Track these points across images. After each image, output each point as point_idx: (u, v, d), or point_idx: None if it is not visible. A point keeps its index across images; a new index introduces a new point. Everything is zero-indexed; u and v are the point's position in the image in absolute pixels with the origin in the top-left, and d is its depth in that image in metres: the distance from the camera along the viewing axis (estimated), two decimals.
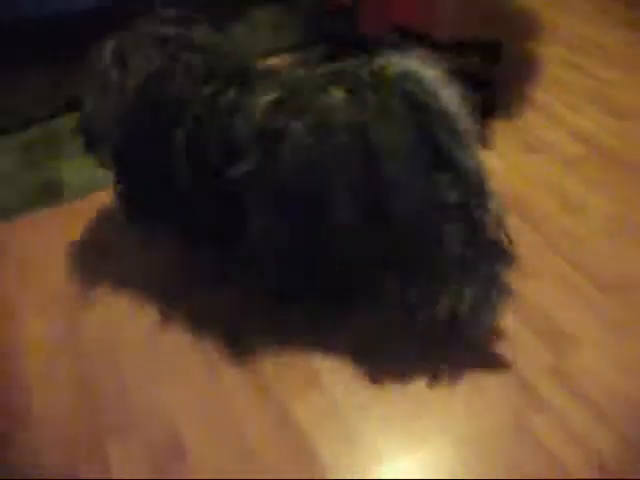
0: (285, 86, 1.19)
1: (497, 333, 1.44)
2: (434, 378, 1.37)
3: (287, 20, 2.46)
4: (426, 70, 1.12)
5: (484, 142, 1.87)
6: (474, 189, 1.15)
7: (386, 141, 1.10)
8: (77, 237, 1.80)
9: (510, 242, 1.25)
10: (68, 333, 1.54)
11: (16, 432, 1.34)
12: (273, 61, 2.44)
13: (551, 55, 2.41)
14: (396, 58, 1.15)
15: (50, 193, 1.95)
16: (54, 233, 1.82)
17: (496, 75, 2.27)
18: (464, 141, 1.12)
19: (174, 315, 1.54)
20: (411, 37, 2.15)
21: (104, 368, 1.45)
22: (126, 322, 1.55)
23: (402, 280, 1.24)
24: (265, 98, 1.17)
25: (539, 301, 1.52)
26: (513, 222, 1.64)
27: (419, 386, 1.37)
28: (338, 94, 1.13)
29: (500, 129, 2.04)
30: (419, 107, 1.09)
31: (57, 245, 1.78)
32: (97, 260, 1.72)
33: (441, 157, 1.11)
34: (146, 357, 1.47)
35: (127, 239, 1.75)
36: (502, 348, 1.42)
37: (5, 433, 1.34)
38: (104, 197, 1.90)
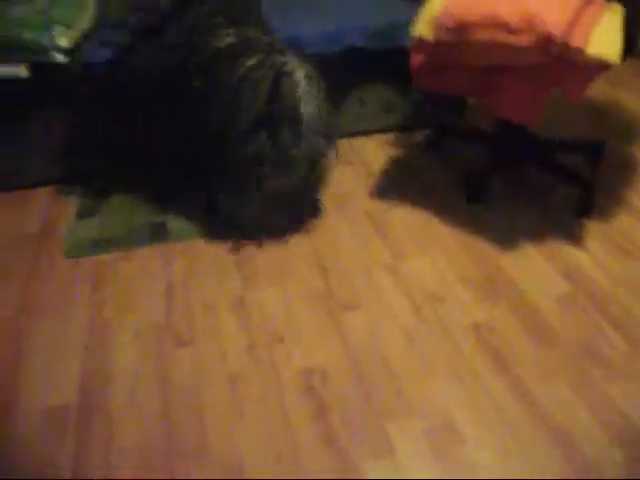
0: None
1: None
2: None
3: (396, 101, 2.58)
4: (305, 79, 1.85)
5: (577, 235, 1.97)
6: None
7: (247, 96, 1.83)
8: (176, 273, 1.95)
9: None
10: (157, 364, 1.66)
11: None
12: (380, 139, 2.58)
13: None
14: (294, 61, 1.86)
15: (156, 233, 2.14)
16: (156, 268, 1.99)
17: (596, 175, 2.31)
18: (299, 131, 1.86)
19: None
20: (513, 132, 2.24)
21: (186, 404, 1.56)
22: (214, 363, 1.66)
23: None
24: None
25: None
26: (595, 319, 1.68)
27: None
28: (251, 61, 1.85)
29: (594, 229, 2.07)
30: (279, 94, 1.82)
31: (159, 279, 1.94)
32: (195, 294, 1.86)
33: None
34: (227, 401, 1.57)
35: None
36: None
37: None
38: (201, 244, 2.07)
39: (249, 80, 1.82)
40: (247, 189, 1.95)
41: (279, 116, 1.84)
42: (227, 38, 1.94)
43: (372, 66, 2.48)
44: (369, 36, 2.41)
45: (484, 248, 1.99)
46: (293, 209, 2.08)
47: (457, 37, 1.88)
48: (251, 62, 1.84)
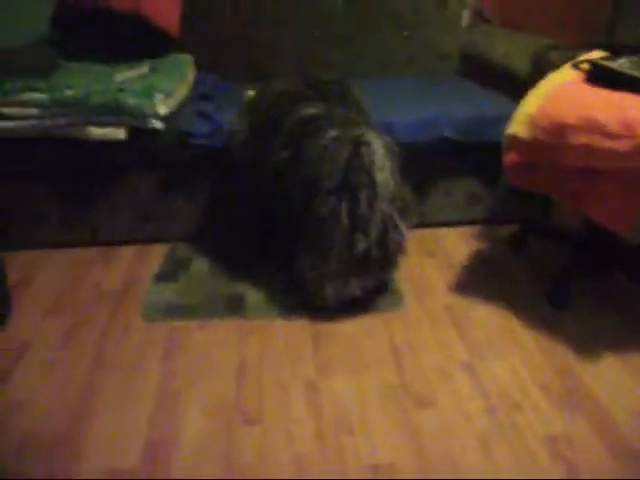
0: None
1: None
2: None
3: (482, 194, 2.57)
4: (382, 149, 1.92)
5: None
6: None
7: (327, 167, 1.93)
8: (250, 349, 1.94)
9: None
10: (223, 440, 1.63)
11: None
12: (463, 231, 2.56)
13: None
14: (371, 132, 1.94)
15: (233, 306, 2.14)
16: (230, 342, 1.98)
17: None
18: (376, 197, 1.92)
19: None
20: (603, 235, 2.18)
21: None
22: (280, 445, 1.62)
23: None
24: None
25: None
26: None
27: None
28: (331, 134, 1.97)
29: None
30: (359, 164, 1.90)
31: (232, 353, 1.94)
32: (268, 373, 1.84)
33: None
34: None
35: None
36: None
37: None
38: (278, 322, 2.06)
39: (330, 149, 1.92)
40: (325, 255, 1.98)
41: (359, 183, 1.90)
42: (311, 109, 2.07)
43: (461, 157, 2.48)
44: (460, 128, 2.43)
45: (565, 355, 1.91)
46: (368, 279, 2.07)
47: (553, 138, 1.86)
48: (334, 133, 1.95)
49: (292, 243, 2.12)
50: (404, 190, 2.03)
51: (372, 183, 1.90)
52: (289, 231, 2.14)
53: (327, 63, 2.99)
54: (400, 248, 2.05)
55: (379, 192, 1.91)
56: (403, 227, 2.00)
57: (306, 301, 2.12)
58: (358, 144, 1.90)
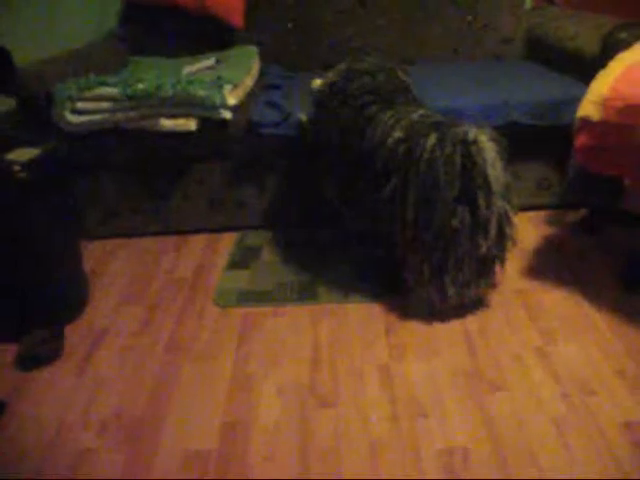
0: (403, 126, 1.95)
1: None
2: None
3: (552, 178, 2.53)
4: (488, 142, 1.84)
5: None
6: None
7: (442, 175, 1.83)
8: (323, 334, 1.98)
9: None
10: (299, 423, 1.66)
11: None
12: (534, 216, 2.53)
13: None
14: (471, 127, 1.85)
15: (305, 292, 2.18)
16: (303, 327, 2.02)
17: None
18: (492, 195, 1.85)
19: None
20: None
21: (324, 466, 1.54)
22: (356, 428, 1.64)
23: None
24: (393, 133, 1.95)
25: None
26: None
27: None
28: (431, 140, 1.84)
29: None
30: (473, 164, 1.82)
31: (305, 338, 1.98)
32: (341, 357, 1.87)
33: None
34: (366, 469, 1.53)
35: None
36: None
37: None
38: (350, 307, 2.08)
39: (439, 159, 1.82)
40: (452, 263, 1.92)
41: (475, 185, 1.84)
42: (395, 133, 1.95)
43: (531, 142, 2.44)
44: (529, 112, 2.39)
45: None
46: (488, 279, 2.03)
47: (626, 119, 1.82)
48: (431, 141, 1.84)
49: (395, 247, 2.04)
50: (509, 180, 1.94)
51: (487, 182, 1.84)
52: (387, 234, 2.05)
53: (391, 50, 2.98)
54: (513, 241, 1.99)
55: (494, 190, 1.85)
56: (514, 219, 1.95)
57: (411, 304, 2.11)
58: (466, 145, 1.82)
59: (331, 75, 2.27)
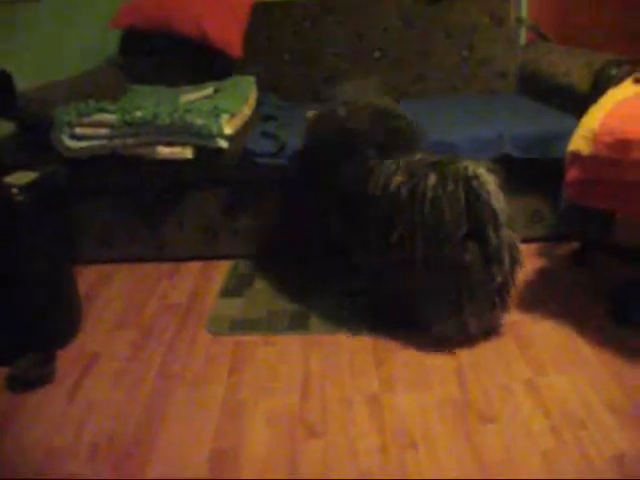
0: (403, 169, 1.97)
1: None
2: None
3: (544, 211, 2.55)
4: (488, 175, 1.87)
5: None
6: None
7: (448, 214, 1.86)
8: (314, 363, 1.98)
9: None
10: (288, 453, 1.66)
11: None
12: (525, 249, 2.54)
13: None
14: (468, 162, 1.89)
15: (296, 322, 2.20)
16: (295, 356, 2.03)
17: None
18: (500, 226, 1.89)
19: None
20: None
21: None
22: (345, 459, 1.64)
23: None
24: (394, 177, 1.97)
25: None
26: None
27: None
28: (432, 180, 1.87)
29: None
30: (477, 199, 1.85)
31: (296, 367, 1.98)
32: (332, 387, 1.87)
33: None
34: None
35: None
36: None
37: None
38: (342, 338, 2.09)
39: (442, 197, 1.85)
40: (467, 297, 1.94)
41: (482, 219, 1.87)
42: (397, 177, 1.97)
43: (523, 175, 2.47)
44: (522, 145, 2.43)
45: (632, 373, 1.87)
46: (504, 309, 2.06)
47: (616, 154, 1.85)
48: (432, 181, 1.87)
49: (405, 285, 2.05)
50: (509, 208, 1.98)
51: (494, 214, 1.87)
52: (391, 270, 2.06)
53: (386, 84, 3.02)
54: (521, 265, 2.01)
55: (501, 221, 1.89)
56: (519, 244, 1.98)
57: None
58: (468, 180, 1.86)
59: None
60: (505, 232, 1.90)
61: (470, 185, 1.85)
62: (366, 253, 2.10)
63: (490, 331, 2.06)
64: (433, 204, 1.85)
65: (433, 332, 2.05)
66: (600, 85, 2.33)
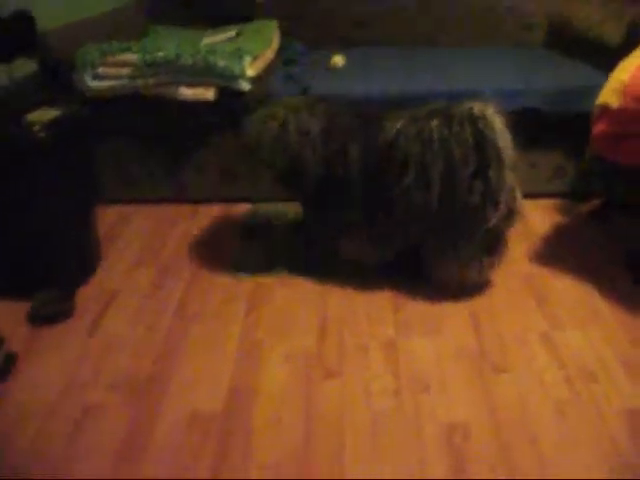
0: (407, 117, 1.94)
1: None
2: None
3: (567, 167, 2.52)
4: (495, 116, 1.84)
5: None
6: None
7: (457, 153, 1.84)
8: (331, 307, 2.00)
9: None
10: (304, 391, 1.69)
11: None
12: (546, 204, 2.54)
13: None
14: (474, 103, 1.86)
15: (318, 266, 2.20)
16: (312, 299, 2.05)
17: None
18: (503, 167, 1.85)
19: None
20: None
21: (326, 434, 1.57)
22: (359, 399, 1.66)
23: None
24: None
25: None
26: None
27: None
28: (435, 122, 1.86)
29: None
30: (482, 138, 1.82)
31: (314, 309, 2.00)
32: (346, 331, 1.88)
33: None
34: (367, 440, 1.56)
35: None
36: None
37: None
38: (359, 284, 2.09)
39: (449, 139, 1.83)
40: (469, 238, 1.94)
41: (487, 158, 1.84)
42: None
43: (548, 129, 2.44)
44: (546, 99, 2.39)
45: None
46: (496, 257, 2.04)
47: None
48: (435, 123, 1.86)
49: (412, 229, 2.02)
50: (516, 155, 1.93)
51: (498, 155, 1.83)
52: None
53: (412, 30, 2.98)
54: (521, 216, 1.99)
55: (505, 162, 1.85)
56: (520, 195, 1.96)
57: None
58: (474, 121, 1.83)
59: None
60: (508, 175, 1.87)
61: (477, 125, 1.82)
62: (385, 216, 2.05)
63: (482, 281, 2.07)
64: (442, 145, 1.83)
65: (433, 281, 2.06)
66: (632, 38, 2.28)
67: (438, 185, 1.86)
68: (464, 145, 1.82)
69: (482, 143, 1.83)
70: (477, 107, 1.84)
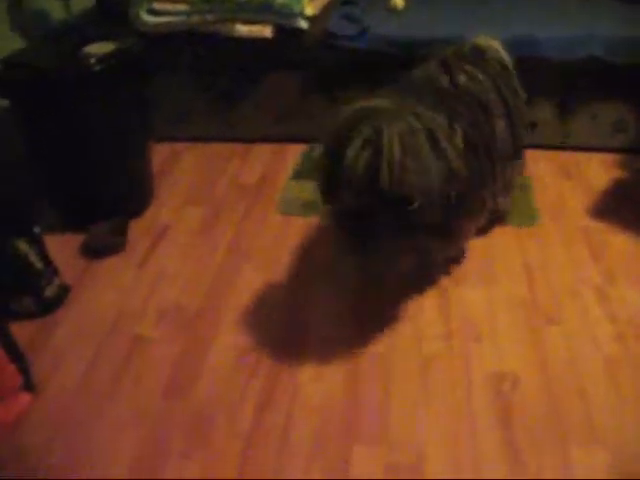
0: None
1: None
2: None
3: (628, 121, 2.43)
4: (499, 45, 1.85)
5: None
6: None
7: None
8: None
9: None
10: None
11: None
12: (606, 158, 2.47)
13: None
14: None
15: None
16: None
17: None
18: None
19: None
20: None
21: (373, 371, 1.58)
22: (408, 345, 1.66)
23: None
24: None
25: None
26: None
27: None
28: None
29: None
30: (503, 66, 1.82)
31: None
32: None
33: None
34: (416, 385, 1.57)
35: None
36: None
37: None
38: None
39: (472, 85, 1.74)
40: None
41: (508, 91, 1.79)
42: None
43: (610, 80, 2.35)
44: (612, 48, 2.29)
45: None
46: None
47: None
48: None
49: None
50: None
51: (515, 89, 1.82)
52: None
53: None
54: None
55: (521, 98, 1.83)
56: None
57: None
58: (481, 53, 1.81)
59: None
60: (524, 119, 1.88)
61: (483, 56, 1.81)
62: None
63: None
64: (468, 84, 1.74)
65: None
66: None
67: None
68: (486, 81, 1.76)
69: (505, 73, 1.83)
70: (479, 39, 1.86)
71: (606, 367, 1.58)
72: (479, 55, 1.81)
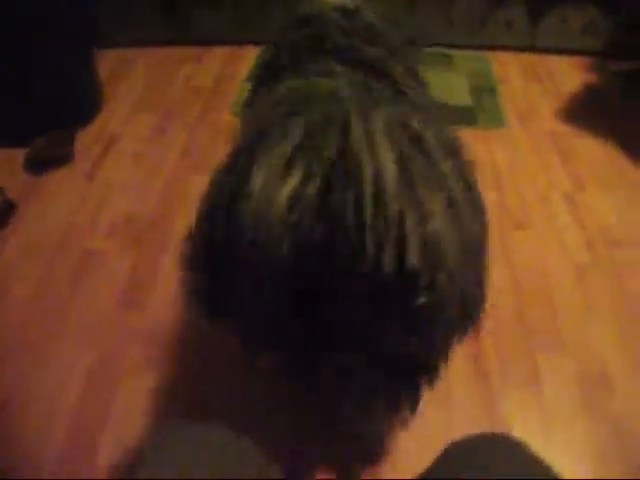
0: None
1: None
2: None
3: (600, 23, 2.33)
4: None
5: None
6: None
7: None
8: None
9: None
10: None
11: None
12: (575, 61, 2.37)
13: None
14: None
15: None
16: None
17: None
18: None
19: None
20: None
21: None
22: None
23: None
24: None
25: None
26: None
27: None
28: None
29: None
30: None
31: None
32: None
33: None
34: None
35: None
36: None
37: None
38: None
39: None
40: None
41: None
42: None
43: None
44: None
45: None
46: None
47: None
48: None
49: None
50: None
51: None
52: None
53: None
54: None
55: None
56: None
57: None
58: None
59: None
60: None
61: None
62: None
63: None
64: None
65: None
66: None
67: None
68: None
69: None
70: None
71: (575, 273, 1.55)
72: None
